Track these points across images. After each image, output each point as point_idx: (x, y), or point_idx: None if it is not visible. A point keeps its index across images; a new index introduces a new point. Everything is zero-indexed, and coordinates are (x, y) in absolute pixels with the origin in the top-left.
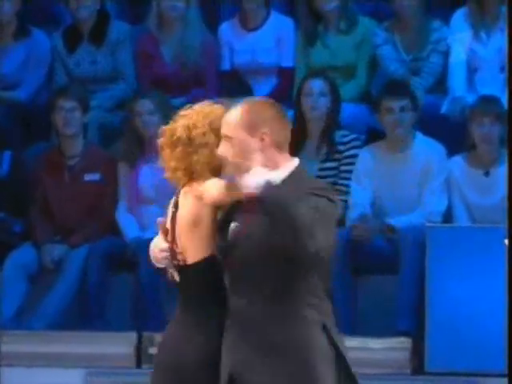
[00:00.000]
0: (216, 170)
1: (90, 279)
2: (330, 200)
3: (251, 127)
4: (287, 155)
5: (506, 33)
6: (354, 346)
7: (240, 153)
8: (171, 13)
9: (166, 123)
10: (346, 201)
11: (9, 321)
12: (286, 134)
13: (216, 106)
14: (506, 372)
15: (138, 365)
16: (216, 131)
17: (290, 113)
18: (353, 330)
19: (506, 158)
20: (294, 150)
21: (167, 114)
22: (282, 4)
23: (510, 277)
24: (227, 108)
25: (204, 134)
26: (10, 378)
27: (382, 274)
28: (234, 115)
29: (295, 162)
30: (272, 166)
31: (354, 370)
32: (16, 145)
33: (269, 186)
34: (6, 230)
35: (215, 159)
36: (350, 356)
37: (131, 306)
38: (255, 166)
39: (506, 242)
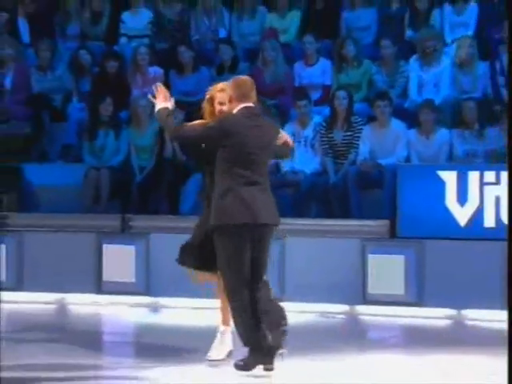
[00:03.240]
0: None
1: None
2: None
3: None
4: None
5: (506, 32)
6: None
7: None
8: (269, 58)
9: (268, 114)
10: (356, 151)
11: None
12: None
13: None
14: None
15: None
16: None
17: (327, 109)
18: (350, 213)
19: (438, 130)
20: (330, 126)
21: (265, 109)
22: (324, 52)
23: (510, 276)
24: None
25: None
26: None
27: (375, 189)
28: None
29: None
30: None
31: None
32: None
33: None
34: None
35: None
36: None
37: None
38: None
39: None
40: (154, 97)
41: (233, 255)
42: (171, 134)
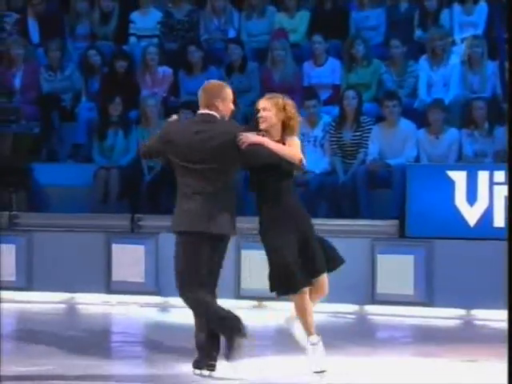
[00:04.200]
0: None
1: None
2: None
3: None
4: None
5: (506, 32)
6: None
7: None
8: (278, 57)
9: None
10: (366, 151)
11: None
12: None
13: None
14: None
15: None
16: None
17: (336, 109)
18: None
19: (447, 130)
20: (339, 126)
21: None
22: (334, 51)
23: (510, 276)
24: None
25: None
26: None
27: (384, 188)
28: None
29: None
30: None
31: None
32: None
33: None
34: None
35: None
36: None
37: None
38: None
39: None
40: None
41: (174, 259)
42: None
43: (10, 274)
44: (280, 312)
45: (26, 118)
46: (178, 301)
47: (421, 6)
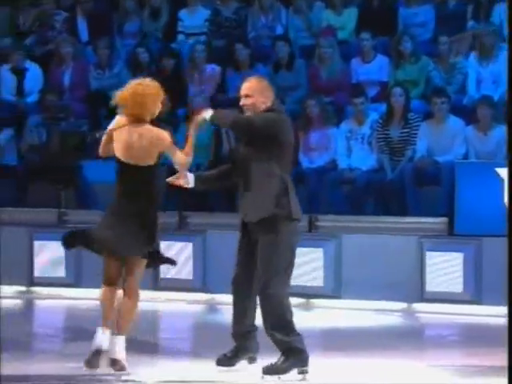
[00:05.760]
0: None
1: None
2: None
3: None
4: None
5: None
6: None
7: None
8: (325, 55)
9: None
10: (413, 148)
11: None
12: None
13: None
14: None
15: None
16: None
17: (383, 106)
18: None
19: (496, 126)
20: (387, 123)
21: (322, 104)
22: (381, 48)
23: (510, 276)
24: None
25: None
26: None
27: (433, 186)
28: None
29: None
30: None
31: None
32: None
33: None
34: None
35: None
36: None
37: None
38: None
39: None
40: None
41: (293, 249)
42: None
43: (59, 271)
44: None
45: (74, 116)
46: (225, 298)
47: (474, 1)
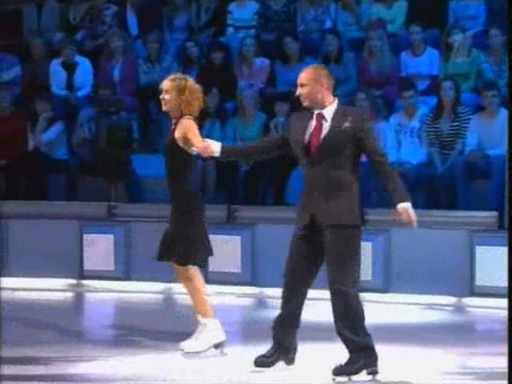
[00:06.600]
0: None
1: None
2: None
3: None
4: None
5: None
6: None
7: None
8: (375, 48)
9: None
10: (464, 142)
11: None
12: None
13: None
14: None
15: None
16: None
17: (433, 99)
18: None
19: None
20: (437, 117)
21: (372, 98)
22: (431, 41)
23: (511, 275)
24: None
25: None
26: None
27: (483, 179)
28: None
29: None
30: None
31: None
32: None
33: None
34: None
35: None
36: None
37: None
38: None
39: None
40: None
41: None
42: None
43: (108, 264)
44: None
45: (124, 110)
46: (273, 291)
47: None
